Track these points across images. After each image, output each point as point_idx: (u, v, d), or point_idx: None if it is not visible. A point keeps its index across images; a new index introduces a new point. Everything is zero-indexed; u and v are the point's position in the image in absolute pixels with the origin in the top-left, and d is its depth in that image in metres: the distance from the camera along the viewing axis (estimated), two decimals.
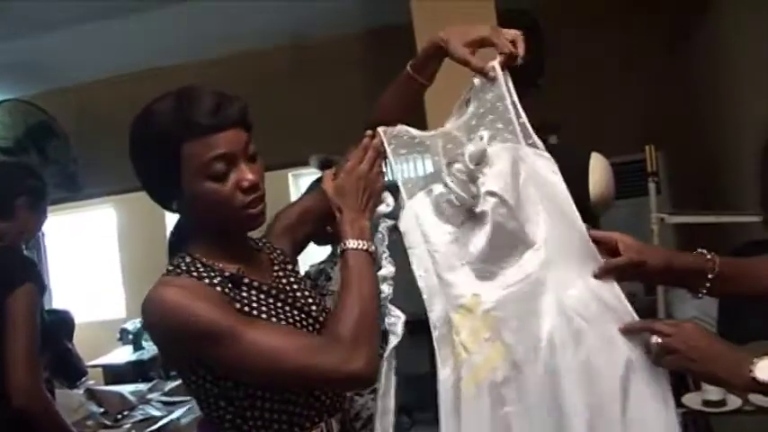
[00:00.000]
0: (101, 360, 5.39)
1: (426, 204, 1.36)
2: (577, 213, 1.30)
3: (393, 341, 1.32)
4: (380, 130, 1.41)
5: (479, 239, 1.29)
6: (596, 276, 1.28)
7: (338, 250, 1.35)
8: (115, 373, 5.16)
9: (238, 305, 1.28)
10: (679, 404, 2.10)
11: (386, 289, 1.34)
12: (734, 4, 3.74)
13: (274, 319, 1.31)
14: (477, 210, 1.29)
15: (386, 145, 1.40)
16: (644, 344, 1.25)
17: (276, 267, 1.45)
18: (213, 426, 1.35)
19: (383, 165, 1.40)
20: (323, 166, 2.95)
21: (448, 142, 1.37)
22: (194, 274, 1.29)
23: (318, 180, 2.92)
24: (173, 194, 1.30)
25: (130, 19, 3.94)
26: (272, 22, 4.35)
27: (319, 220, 1.59)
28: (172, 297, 1.23)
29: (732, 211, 2.90)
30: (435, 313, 1.32)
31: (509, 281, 1.29)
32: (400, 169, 1.40)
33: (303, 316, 1.37)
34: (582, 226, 1.31)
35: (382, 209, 1.39)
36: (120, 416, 3.35)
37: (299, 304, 1.39)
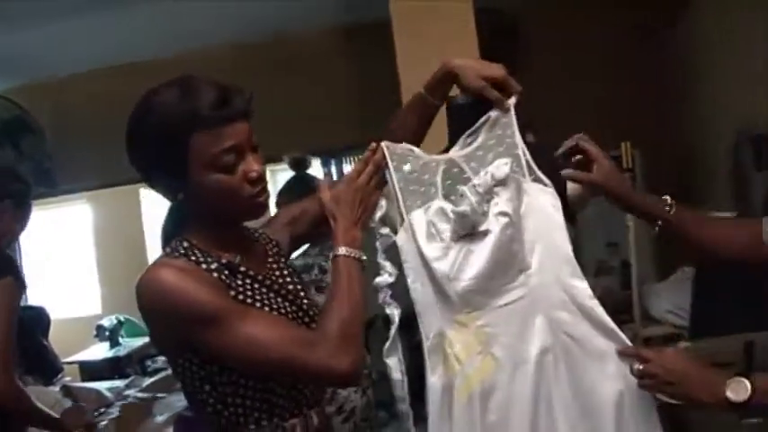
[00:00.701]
0: (77, 357, 5.35)
1: (423, 221, 1.39)
2: (570, 247, 1.39)
3: (389, 342, 1.39)
4: (384, 144, 1.45)
5: (480, 256, 1.35)
6: (564, 175, 1.42)
7: (330, 256, 1.38)
8: (91, 370, 5.12)
9: (233, 293, 1.30)
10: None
11: (381, 296, 1.40)
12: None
13: (267, 309, 1.33)
14: (482, 228, 1.35)
15: (388, 160, 1.43)
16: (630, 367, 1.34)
17: (271, 259, 1.47)
18: (196, 413, 1.38)
19: (386, 176, 1.44)
20: (296, 165, 2.93)
21: (451, 167, 1.44)
22: (192, 258, 1.31)
23: (294, 179, 2.94)
24: (178, 186, 1.31)
25: (107, 13, 3.91)
26: (250, 17, 4.33)
27: (317, 224, 1.62)
28: (167, 277, 1.25)
29: (706, 207, 2.94)
30: (428, 325, 1.38)
31: (503, 300, 1.36)
32: (400, 186, 1.43)
33: (295, 308, 1.40)
34: (571, 256, 1.39)
35: (377, 213, 1.43)
36: (97, 413, 3.33)
37: (291, 297, 1.41)
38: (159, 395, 3.55)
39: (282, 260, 1.50)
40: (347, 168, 5.65)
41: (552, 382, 1.33)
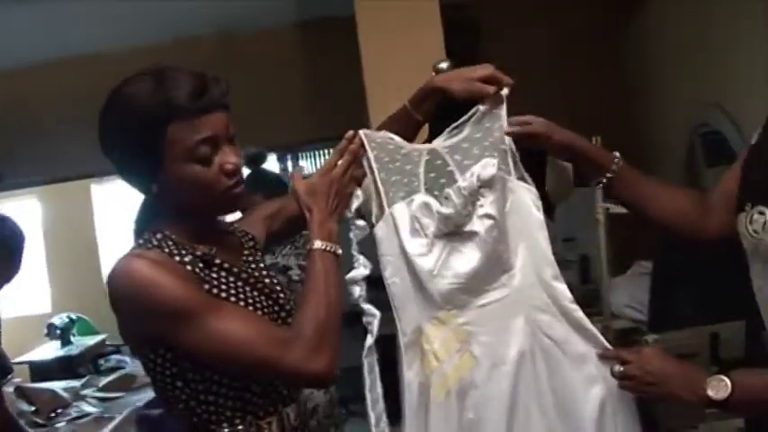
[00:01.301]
0: (26, 356, 5.20)
1: (406, 214, 1.37)
2: (549, 247, 1.38)
3: (369, 340, 1.35)
4: (362, 132, 1.41)
5: (466, 257, 1.33)
6: (505, 132, 1.40)
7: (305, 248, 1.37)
8: (42, 370, 4.97)
9: (207, 286, 1.27)
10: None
11: (357, 290, 1.36)
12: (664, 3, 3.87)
13: (242, 303, 1.30)
14: (466, 228, 1.33)
15: (368, 149, 1.40)
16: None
17: (247, 251, 1.45)
18: (167, 411, 1.35)
19: (364, 165, 1.41)
20: (252, 160, 2.91)
21: (435, 158, 1.40)
22: (165, 250, 1.28)
23: (251, 174, 2.91)
24: (153, 178, 1.28)
25: (55, 4, 3.80)
26: (205, 12, 4.27)
27: (294, 222, 1.59)
28: (140, 269, 1.21)
29: None
30: (405, 321, 1.36)
31: (485, 299, 1.35)
32: (381, 176, 1.40)
33: (271, 302, 1.37)
34: (552, 259, 1.38)
35: (353, 204, 1.40)
36: (53, 414, 3.25)
37: (267, 290, 1.38)
38: (117, 394, 3.48)
39: (258, 254, 1.48)
40: (303, 164, 5.62)
41: (531, 383, 1.33)
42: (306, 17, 4.64)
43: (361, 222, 1.40)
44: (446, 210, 1.32)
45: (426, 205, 1.35)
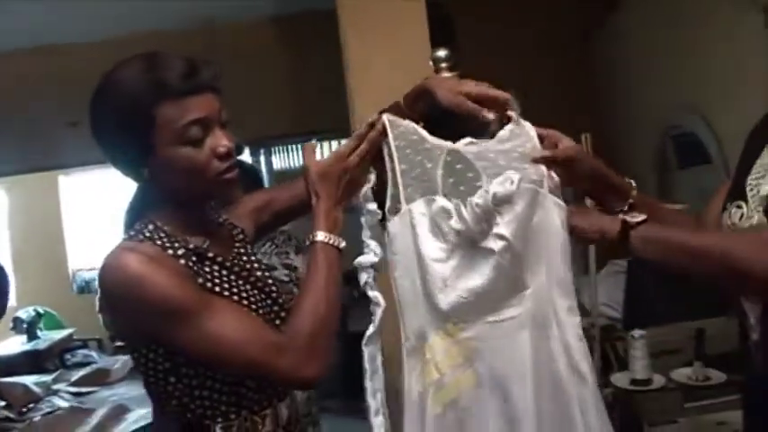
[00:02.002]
0: None
1: (425, 214, 1.29)
2: (569, 272, 1.30)
3: (371, 328, 1.31)
4: (386, 117, 1.33)
5: (476, 273, 1.26)
6: (534, 160, 1.31)
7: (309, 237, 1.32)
8: (8, 364, 4.88)
9: (201, 280, 1.25)
10: (607, 383, 2.22)
11: (364, 276, 1.32)
12: (637, 4, 3.92)
13: (236, 297, 1.28)
14: (481, 244, 1.25)
15: (390, 136, 1.32)
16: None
17: (238, 244, 1.42)
18: (159, 408, 1.32)
19: (384, 153, 1.33)
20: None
21: (455, 161, 1.32)
22: (158, 242, 1.25)
23: None
24: (144, 162, 1.24)
25: None
26: (185, 3, 4.22)
27: (283, 215, 1.58)
28: (133, 264, 1.18)
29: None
30: (410, 326, 1.30)
31: (495, 317, 1.28)
32: (401, 168, 1.31)
33: (263, 296, 1.35)
34: (569, 287, 1.30)
35: (365, 187, 1.35)
36: (25, 408, 3.19)
37: (260, 284, 1.36)
38: (91, 389, 3.44)
39: (248, 247, 1.44)
40: (275, 159, 5.58)
41: (530, 408, 1.26)
42: (285, 11, 4.61)
43: (372, 206, 1.33)
44: (457, 225, 1.25)
45: (446, 210, 1.27)
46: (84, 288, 6.45)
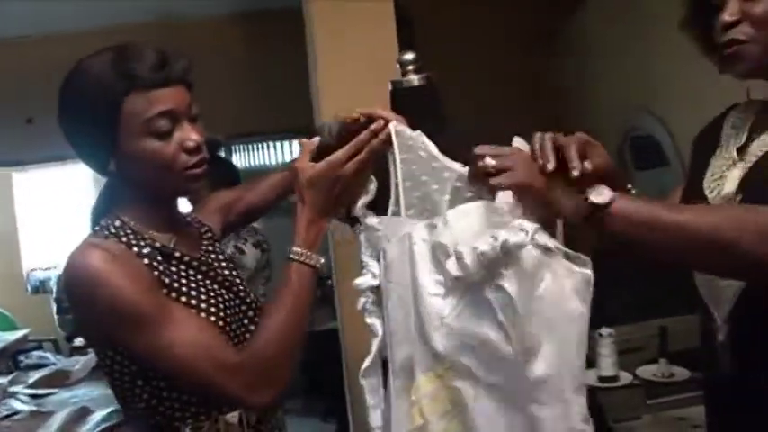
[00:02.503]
0: None
1: (426, 240, 1.15)
2: (583, 348, 1.11)
3: (367, 360, 1.24)
4: (393, 126, 1.21)
5: (476, 320, 1.10)
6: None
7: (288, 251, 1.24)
8: None
9: (167, 279, 1.22)
10: None
11: (362, 301, 1.24)
12: (590, 10, 3.98)
13: (203, 296, 1.25)
14: (482, 293, 1.08)
15: (395, 147, 1.20)
16: None
17: (206, 241, 1.41)
18: (126, 411, 1.30)
19: (389, 164, 1.23)
20: (212, 147, 2.87)
21: (465, 191, 1.17)
22: (123, 239, 1.23)
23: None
24: (110, 154, 1.22)
25: None
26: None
27: (250, 214, 1.58)
28: (95, 262, 1.16)
29: None
30: (399, 362, 1.18)
31: (491, 375, 1.11)
32: (405, 185, 1.20)
33: (231, 295, 1.34)
34: (580, 365, 1.12)
35: (363, 199, 1.26)
36: None
37: (227, 283, 1.34)
38: (49, 391, 3.36)
39: (216, 245, 1.43)
40: (235, 158, 5.52)
41: None
42: (247, 7, 4.57)
43: (372, 221, 1.23)
44: (455, 271, 1.08)
45: (444, 250, 1.11)
46: (39, 288, 6.32)
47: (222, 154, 3.61)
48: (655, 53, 3.32)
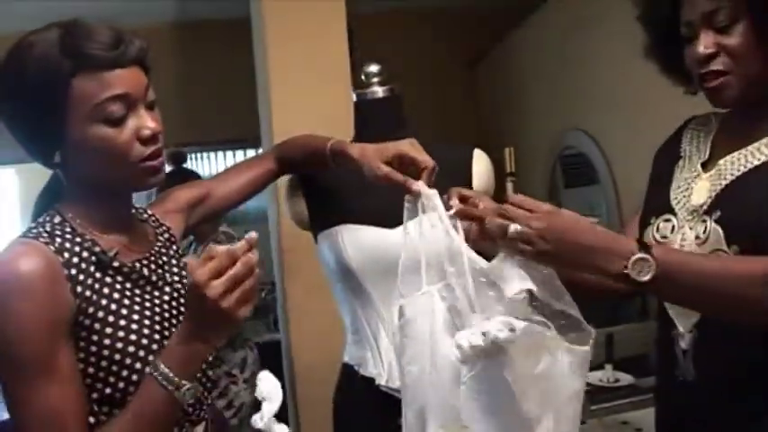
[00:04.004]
0: None
1: (445, 298, 1.17)
2: (578, 421, 1.17)
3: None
4: (424, 190, 1.24)
5: (485, 387, 1.10)
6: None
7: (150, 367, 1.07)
8: None
9: (89, 292, 1.08)
10: None
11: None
12: (523, 32, 4.11)
13: (137, 307, 1.13)
14: (489, 369, 1.09)
15: (420, 210, 1.23)
16: None
17: (159, 244, 1.28)
18: None
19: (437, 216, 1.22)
20: (171, 159, 2.87)
21: (481, 274, 1.16)
22: (57, 240, 1.08)
23: (172, 173, 2.85)
24: (55, 143, 1.10)
25: None
26: (83, 2, 4.06)
27: (217, 214, 1.51)
28: (7, 277, 1.03)
29: None
30: (412, 412, 1.19)
31: None
32: (426, 248, 1.21)
33: (175, 304, 1.21)
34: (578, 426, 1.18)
35: (266, 408, 1.18)
36: None
37: (175, 294, 1.22)
38: None
39: (173, 249, 1.30)
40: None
41: None
42: (189, 16, 4.55)
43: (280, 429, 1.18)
44: (456, 356, 1.09)
45: (458, 310, 1.14)
46: None
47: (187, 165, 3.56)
48: (584, 74, 3.42)
